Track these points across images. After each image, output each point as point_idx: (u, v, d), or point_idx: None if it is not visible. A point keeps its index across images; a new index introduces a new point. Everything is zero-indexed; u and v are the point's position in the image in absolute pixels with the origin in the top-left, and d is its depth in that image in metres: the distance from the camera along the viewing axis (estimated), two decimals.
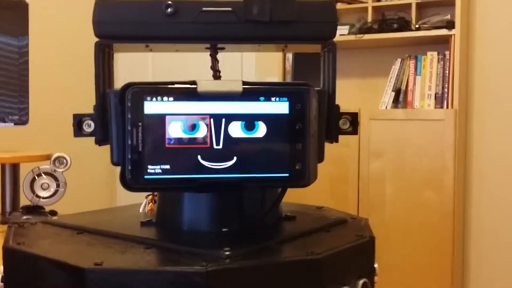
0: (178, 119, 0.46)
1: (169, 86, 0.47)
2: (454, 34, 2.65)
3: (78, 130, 0.50)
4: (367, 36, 2.85)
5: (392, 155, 2.76)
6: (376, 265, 0.51)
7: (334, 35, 0.53)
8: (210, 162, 0.47)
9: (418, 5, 2.77)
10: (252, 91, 0.48)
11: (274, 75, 3.19)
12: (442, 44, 2.74)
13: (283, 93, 0.48)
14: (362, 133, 2.82)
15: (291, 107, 0.48)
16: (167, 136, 0.46)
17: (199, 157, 0.47)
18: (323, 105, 0.52)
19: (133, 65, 3.64)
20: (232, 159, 0.47)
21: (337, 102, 2.41)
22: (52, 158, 1.69)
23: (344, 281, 0.46)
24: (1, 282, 0.46)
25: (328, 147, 2.42)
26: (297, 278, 0.42)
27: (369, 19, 2.88)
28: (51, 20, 3.04)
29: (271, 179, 0.48)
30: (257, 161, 0.48)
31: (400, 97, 2.87)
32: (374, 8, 2.88)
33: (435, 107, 2.74)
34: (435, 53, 2.76)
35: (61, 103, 2.66)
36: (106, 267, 0.40)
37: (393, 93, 2.87)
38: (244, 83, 0.48)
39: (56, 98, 2.99)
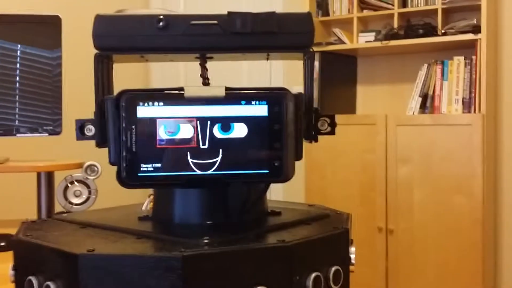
0: (167, 122, 0.52)
1: (160, 92, 0.52)
2: (480, 39, 2.64)
3: (80, 134, 0.56)
4: (393, 42, 2.86)
5: (419, 160, 2.76)
6: (352, 256, 0.55)
7: (311, 44, 0.57)
8: (197, 160, 0.52)
9: (444, 10, 2.77)
10: (234, 96, 0.53)
11: (301, 84, 3.23)
12: (468, 48, 2.73)
13: (263, 97, 0.53)
14: (389, 139, 2.83)
15: (270, 110, 0.53)
16: (157, 138, 0.52)
17: (187, 156, 0.52)
18: (300, 108, 0.56)
19: (165, 73, 3.75)
20: (217, 157, 0.52)
21: (364, 108, 2.47)
22: (84, 166, 1.77)
23: (316, 268, 0.49)
24: (12, 270, 0.52)
25: (356, 154, 2.45)
26: (268, 263, 0.47)
27: (395, 25, 2.89)
28: (83, 34, 3.16)
29: (253, 175, 0.53)
30: (239, 159, 0.53)
31: (427, 103, 2.87)
32: (400, 14, 2.89)
33: (463, 112, 2.73)
34: (461, 58, 2.75)
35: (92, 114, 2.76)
36: (96, 253, 0.46)
37: (420, 99, 2.88)
38: (227, 88, 0.53)
39: (88, 109, 3.10)
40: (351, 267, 0.54)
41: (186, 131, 0.52)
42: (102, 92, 0.56)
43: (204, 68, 0.59)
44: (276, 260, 0.47)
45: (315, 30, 0.57)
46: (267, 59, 0.62)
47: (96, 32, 0.55)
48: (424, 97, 2.88)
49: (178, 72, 3.78)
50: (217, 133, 0.52)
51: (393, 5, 2.90)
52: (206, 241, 0.47)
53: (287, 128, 0.53)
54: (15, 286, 0.52)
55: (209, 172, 0.52)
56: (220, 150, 0.52)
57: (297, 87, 3.45)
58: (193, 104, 0.52)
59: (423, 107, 2.88)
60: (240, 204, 0.55)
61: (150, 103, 0.51)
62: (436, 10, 2.78)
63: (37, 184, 1.94)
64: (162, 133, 0.51)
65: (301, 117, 0.56)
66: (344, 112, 3.18)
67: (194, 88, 0.52)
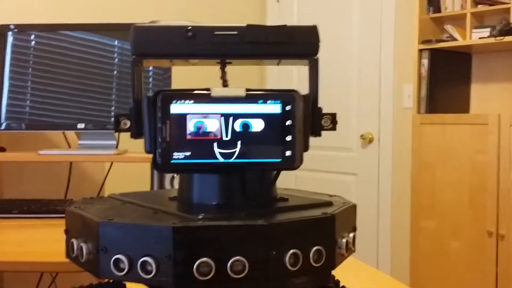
0: (196, 117, 0.61)
1: (190, 92, 0.62)
2: None
3: (117, 127, 0.67)
4: (509, 38, 2.72)
5: None
6: (344, 240, 0.60)
7: (317, 53, 0.64)
8: (220, 150, 0.61)
9: None
10: (253, 96, 0.61)
11: (409, 82, 3.18)
12: None
13: (277, 97, 0.61)
14: (502, 139, 2.70)
15: (283, 108, 0.61)
16: (187, 131, 0.61)
17: (212, 146, 0.61)
18: (308, 107, 0.64)
19: (280, 74, 3.89)
20: (237, 148, 0.61)
21: (479, 107, 2.49)
22: None
23: (295, 246, 0.55)
24: (65, 234, 0.65)
25: (467, 155, 2.42)
26: (247, 239, 0.55)
27: None
28: None
29: (267, 163, 0.61)
30: (256, 149, 0.61)
31: None
32: None
33: None
34: None
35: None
36: (113, 222, 0.57)
37: None
38: (247, 89, 0.61)
39: None
40: (341, 251, 0.59)
41: (212, 125, 0.61)
42: (137, 91, 0.67)
43: (224, 72, 0.68)
44: (254, 236, 0.54)
45: (320, 41, 0.64)
46: (278, 64, 0.69)
47: (134, 39, 0.65)
48: None
49: (292, 74, 3.92)
50: (238, 127, 0.61)
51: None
52: (200, 216, 0.56)
53: (297, 123, 0.61)
54: (66, 246, 0.65)
55: (230, 160, 0.61)
56: (240, 142, 0.61)
57: (405, 85, 3.38)
58: (218, 102, 0.61)
59: None
60: (247, 189, 0.63)
61: (182, 101, 0.61)
62: None
63: (151, 173, 2.16)
64: (191, 127, 0.61)
65: (309, 115, 0.63)
66: (456, 111, 3.08)
67: (219, 89, 0.61)
